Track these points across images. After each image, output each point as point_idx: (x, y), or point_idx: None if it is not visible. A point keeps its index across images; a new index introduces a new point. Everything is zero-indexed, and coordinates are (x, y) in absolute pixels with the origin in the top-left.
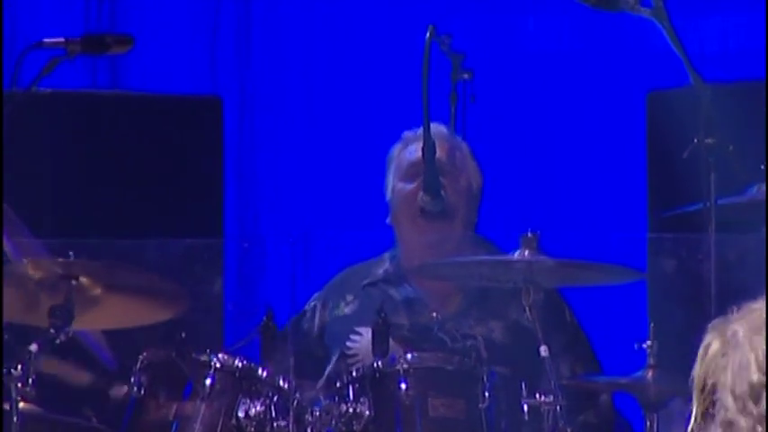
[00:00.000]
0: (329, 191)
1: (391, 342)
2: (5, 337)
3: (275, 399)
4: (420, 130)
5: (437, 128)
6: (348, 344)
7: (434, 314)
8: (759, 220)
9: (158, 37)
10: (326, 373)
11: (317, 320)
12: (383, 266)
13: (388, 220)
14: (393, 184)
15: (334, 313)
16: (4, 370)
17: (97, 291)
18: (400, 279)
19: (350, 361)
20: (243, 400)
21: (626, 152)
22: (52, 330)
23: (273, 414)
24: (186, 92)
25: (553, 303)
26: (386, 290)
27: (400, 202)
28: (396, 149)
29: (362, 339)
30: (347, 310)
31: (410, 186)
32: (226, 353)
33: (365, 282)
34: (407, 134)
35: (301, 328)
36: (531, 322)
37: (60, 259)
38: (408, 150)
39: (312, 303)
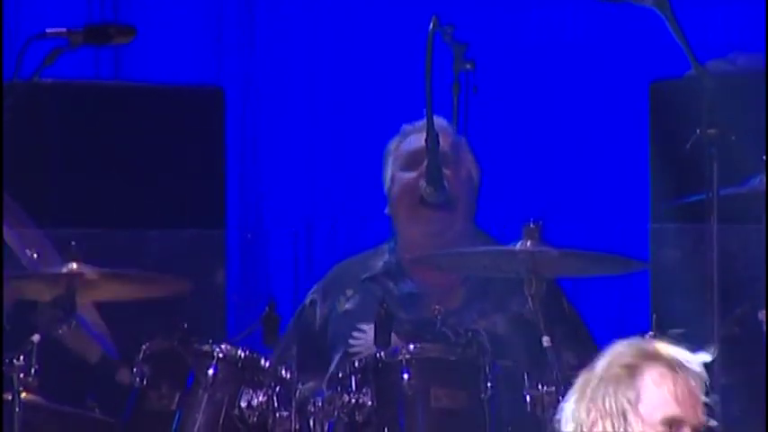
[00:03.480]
0: (331, 181)
1: (394, 337)
2: (7, 327)
3: (277, 389)
4: (419, 123)
5: (438, 120)
6: (351, 341)
7: (437, 308)
8: (761, 210)
9: (161, 27)
10: (330, 372)
11: (318, 315)
12: (382, 259)
13: (386, 211)
14: (392, 173)
15: (335, 309)
16: (6, 360)
17: (96, 277)
18: (401, 273)
19: (354, 359)
20: (245, 391)
21: (628, 142)
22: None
23: (276, 404)
24: (189, 82)
25: (552, 293)
26: (386, 284)
27: (400, 191)
28: (394, 142)
29: (366, 337)
30: (348, 305)
31: (411, 175)
32: (228, 343)
33: (365, 276)
34: (406, 127)
35: (302, 322)
36: (534, 313)
37: (65, 270)
38: (408, 141)
39: (310, 298)
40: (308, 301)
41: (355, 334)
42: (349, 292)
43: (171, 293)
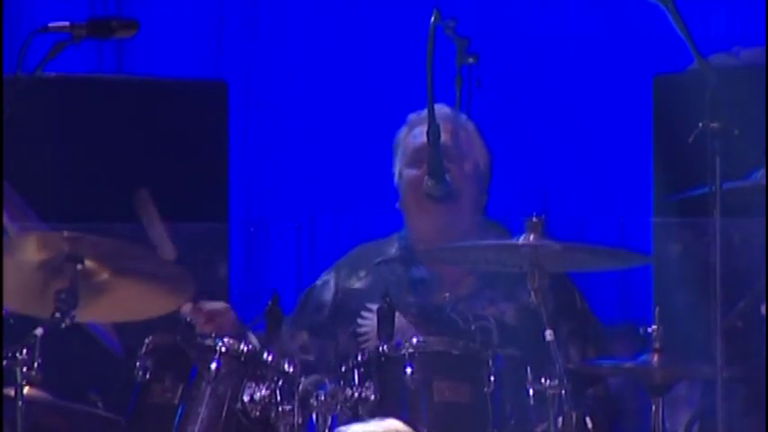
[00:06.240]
0: (334, 175)
1: (403, 322)
2: (11, 321)
3: (280, 383)
4: (424, 113)
5: (441, 109)
6: (359, 321)
7: (447, 295)
8: (764, 204)
9: (164, 21)
10: (336, 353)
11: (330, 292)
12: (396, 245)
13: (397, 205)
14: (400, 169)
15: (346, 285)
16: (9, 354)
17: (104, 276)
18: (413, 259)
19: (360, 339)
20: (248, 385)
21: (631, 136)
22: (57, 314)
23: (278, 398)
24: (191, 76)
25: (563, 288)
26: (399, 269)
27: (407, 188)
28: (401, 133)
29: (374, 317)
30: (359, 284)
31: (416, 172)
32: (231, 336)
33: (379, 259)
34: (412, 117)
35: (313, 300)
36: (537, 306)
37: (65, 233)
38: (413, 134)
39: (323, 278)
40: (320, 282)
41: (364, 314)
42: (362, 273)
43: (178, 297)
